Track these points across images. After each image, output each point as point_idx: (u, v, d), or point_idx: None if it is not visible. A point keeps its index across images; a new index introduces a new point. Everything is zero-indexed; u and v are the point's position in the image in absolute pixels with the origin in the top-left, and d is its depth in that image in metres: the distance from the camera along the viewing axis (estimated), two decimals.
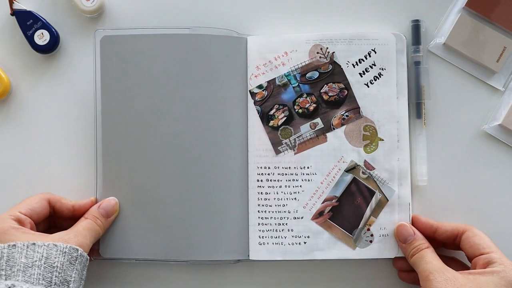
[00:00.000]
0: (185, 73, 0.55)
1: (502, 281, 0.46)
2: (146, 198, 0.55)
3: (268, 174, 0.55)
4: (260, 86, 0.56)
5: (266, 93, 0.56)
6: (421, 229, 0.53)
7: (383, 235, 0.54)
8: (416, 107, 0.56)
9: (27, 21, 0.56)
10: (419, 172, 0.55)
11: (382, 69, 0.55)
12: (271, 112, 0.56)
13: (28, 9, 0.57)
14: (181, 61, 0.55)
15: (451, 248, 0.53)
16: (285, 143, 0.55)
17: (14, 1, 0.57)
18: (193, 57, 0.55)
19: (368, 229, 0.54)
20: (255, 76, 0.56)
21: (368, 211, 0.54)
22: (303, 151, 0.55)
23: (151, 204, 0.55)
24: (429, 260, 0.49)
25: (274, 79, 0.56)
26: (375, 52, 0.55)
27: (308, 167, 0.55)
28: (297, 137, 0.55)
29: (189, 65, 0.55)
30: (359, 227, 0.54)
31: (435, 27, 0.57)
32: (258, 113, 0.56)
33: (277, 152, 0.55)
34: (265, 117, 0.56)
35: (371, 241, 0.54)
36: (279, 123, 0.55)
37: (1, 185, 0.57)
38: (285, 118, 0.56)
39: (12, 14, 0.57)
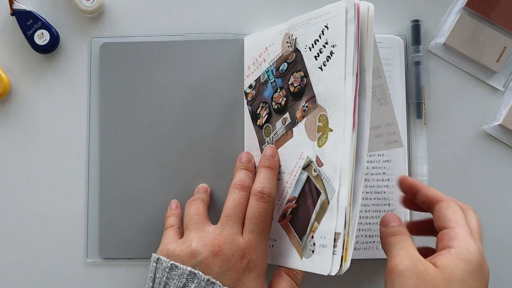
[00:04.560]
0: (182, 79, 0.56)
1: (469, 266, 0.41)
2: (145, 199, 0.55)
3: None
4: (250, 86, 0.55)
5: (255, 92, 0.54)
6: (406, 188, 0.49)
7: (322, 246, 0.44)
8: (416, 107, 0.55)
9: (27, 21, 0.56)
10: (419, 172, 0.55)
11: (333, 46, 0.46)
12: (258, 111, 0.53)
13: (28, 9, 0.57)
14: (178, 67, 0.56)
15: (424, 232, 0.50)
16: (267, 141, 0.52)
17: (14, 1, 0.57)
18: (189, 63, 0.56)
19: (312, 237, 0.45)
20: (247, 76, 0.55)
21: (313, 215, 0.46)
22: (278, 149, 0.51)
23: (150, 205, 0.55)
24: (405, 247, 0.43)
25: (259, 77, 0.54)
26: (328, 28, 0.46)
27: (280, 166, 0.51)
28: (274, 134, 0.52)
29: (185, 71, 0.56)
30: (306, 233, 0.46)
31: (435, 27, 0.57)
32: (250, 113, 0.55)
33: (262, 151, 0.52)
34: (254, 117, 0.54)
35: (313, 251, 0.45)
36: (263, 122, 0.53)
37: (1, 185, 0.57)
38: (266, 116, 0.52)
39: (12, 14, 0.57)
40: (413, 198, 0.49)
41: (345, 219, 0.43)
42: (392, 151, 0.54)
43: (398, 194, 0.53)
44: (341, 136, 0.44)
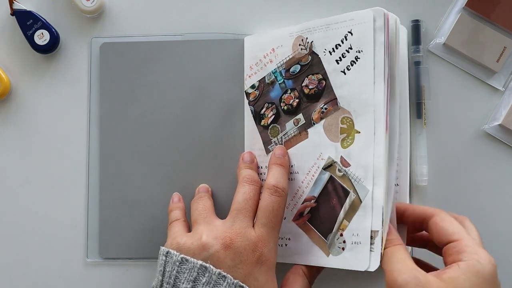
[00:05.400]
0: (182, 79, 0.56)
1: (479, 278, 0.40)
2: (145, 199, 0.55)
3: (260, 174, 0.53)
4: (253, 86, 0.55)
5: (258, 92, 0.54)
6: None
7: (355, 243, 0.46)
8: (416, 107, 0.55)
9: (27, 21, 0.56)
10: (419, 172, 0.55)
11: (359, 52, 0.48)
12: (262, 111, 0.54)
13: (28, 9, 0.57)
14: (178, 67, 0.56)
15: (419, 241, 0.49)
16: (274, 141, 0.53)
17: (14, 1, 0.57)
18: (189, 63, 0.56)
19: (341, 235, 0.47)
20: (249, 76, 0.55)
21: (341, 214, 0.48)
22: (288, 149, 0.52)
23: (150, 205, 0.55)
24: (401, 258, 0.42)
25: (264, 77, 0.54)
26: (352, 34, 0.48)
27: (292, 166, 0.51)
28: (283, 135, 0.52)
29: (185, 71, 0.56)
30: (333, 231, 0.48)
31: (435, 27, 0.57)
32: (252, 113, 0.55)
33: (267, 151, 0.53)
34: (258, 117, 0.54)
35: (343, 249, 0.47)
36: (269, 122, 0.53)
37: (1, 185, 0.57)
38: (273, 116, 0.53)
39: (12, 14, 0.57)
40: (401, 220, 0.48)
41: (382, 217, 0.45)
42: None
43: (402, 193, 0.53)
44: (371, 138, 0.46)
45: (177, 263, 0.44)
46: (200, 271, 0.43)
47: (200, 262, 0.43)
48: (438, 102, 0.56)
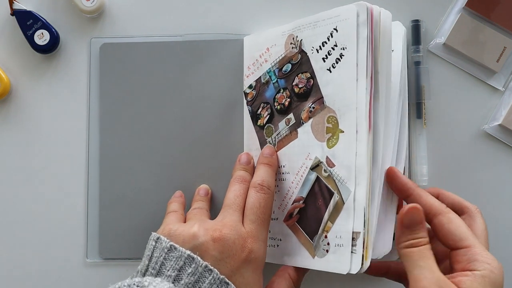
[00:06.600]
0: (182, 79, 0.56)
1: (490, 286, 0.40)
2: (145, 199, 0.55)
3: None
4: (250, 86, 0.55)
5: (255, 92, 0.54)
6: (396, 188, 0.46)
7: (338, 245, 0.45)
8: (416, 107, 0.55)
9: (27, 21, 0.56)
10: (419, 172, 0.55)
11: (343, 49, 0.46)
12: (258, 111, 0.54)
13: (28, 9, 0.57)
14: (178, 67, 0.56)
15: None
16: (268, 141, 0.52)
17: (14, 1, 0.57)
18: (189, 63, 0.56)
19: (326, 236, 0.46)
20: (247, 77, 0.55)
21: (326, 215, 0.46)
22: (281, 149, 0.51)
23: (150, 205, 0.55)
24: (429, 264, 0.41)
25: (260, 77, 0.54)
26: (337, 31, 0.47)
27: (283, 166, 0.51)
28: (276, 134, 0.52)
29: (185, 71, 0.56)
30: (318, 233, 0.47)
31: (435, 27, 0.57)
32: (250, 113, 0.55)
33: None
34: (254, 117, 0.54)
35: (327, 251, 0.46)
36: (264, 122, 0.53)
37: (0, 185, 0.57)
38: (268, 116, 0.53)
39: (12, 14, 0.57)
40: (404, 200, 0.47)
41: (364, 218, 0.44)
42: None
43: None
44: (354, 137, 0.45)
45: (165, 250, 0.43)
46: (187, 261, 0.42)
47: (188, 252, 0.43)
48: (438, 102, 0.56)
